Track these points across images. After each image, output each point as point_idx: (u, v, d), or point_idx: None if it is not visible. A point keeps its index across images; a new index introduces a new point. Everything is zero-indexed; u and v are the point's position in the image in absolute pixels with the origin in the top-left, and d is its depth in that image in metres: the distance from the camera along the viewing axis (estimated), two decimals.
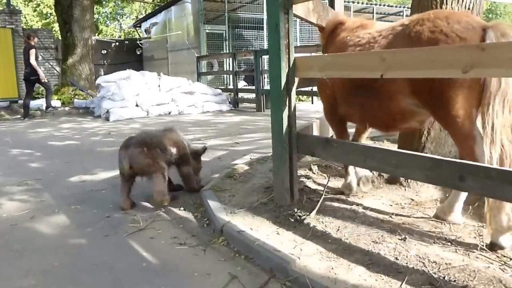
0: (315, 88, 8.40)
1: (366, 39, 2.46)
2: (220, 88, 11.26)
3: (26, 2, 26.10)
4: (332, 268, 1.85)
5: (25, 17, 23.78)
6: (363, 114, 2.56)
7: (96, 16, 24.96)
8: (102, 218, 2.84)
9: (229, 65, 13.14)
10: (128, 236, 2.51)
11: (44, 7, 26.61)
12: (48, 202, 3.25)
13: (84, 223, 2.77)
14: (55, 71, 13.83)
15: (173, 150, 3.11)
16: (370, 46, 2.39)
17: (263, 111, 9.51)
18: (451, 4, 2.60)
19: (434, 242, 2.02)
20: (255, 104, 9.93)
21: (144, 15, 23.25)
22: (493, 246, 1.92)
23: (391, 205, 2.57)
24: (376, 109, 2.39)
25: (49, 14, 26.80)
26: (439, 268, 1.77)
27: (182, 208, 2.95)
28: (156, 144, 3.00)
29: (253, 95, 10.33)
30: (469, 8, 2.61)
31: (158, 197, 2.92)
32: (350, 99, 2.58)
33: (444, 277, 1.70)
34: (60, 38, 13.79)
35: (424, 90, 2.08)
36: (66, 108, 10.52)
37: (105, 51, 18.13)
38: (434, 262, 1.83)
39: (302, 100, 11.73)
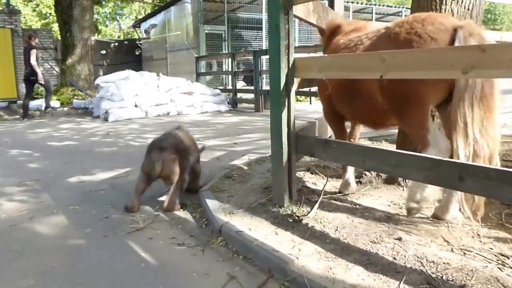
0: (313, 89, 8.47)
1: (354, 41, 2.57)
2: (219, 89, 11.27)
3: (26, 2, 26.09)
4: (331, 268, 1.86)
5: (24, 17, 23.76)
6: (353, 112, 2.69)
7: (95, 16, 24.97)
8: (101, 219, 2.84)
9: (228, 66, 13.16)
10: (127, 237, 2.51)
11: (43, 7, 26.62)
12: (47, 202, 3.24)
13: (83, 223, 2.77)
14: (54, 71, 13.84)
15: (196, 151, 3.20)
16: (356, 48, 2.50)
17: (262, 111, 9.52)
18: (451, 5, 2.61)
19: (432, 242, 2.03)
20: (253, 105, 9.94)
21: (144, 15, 23.26)
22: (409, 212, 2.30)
23: (389, 205, 2.57)
24: (362, 107, 2.52)
25: (48, 14, 26.81)
26: (437, 268, 1.78)
27: (180, 209, 2.95)
28: (185, 149, 3.00)
29: (252, 96, 10.33)
30: (468, 9, 2.62)
31: (170, 207, 2.90)
32: (341, 98, 2.69)
33: (442, 277, 1.70)
34: (59, 38, 13.79)
35: (388, 89, 2.22)
36: (65, 109, 10.50)
37: (105, 52, 18.15)
38: (432, 261, 1.83)
39: (300, 101, 11.73)
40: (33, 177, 4.01)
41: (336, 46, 2.75)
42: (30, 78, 9.25)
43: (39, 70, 9.28)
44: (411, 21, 2.19)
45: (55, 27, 19.10)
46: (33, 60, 9.11)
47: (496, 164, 1.94)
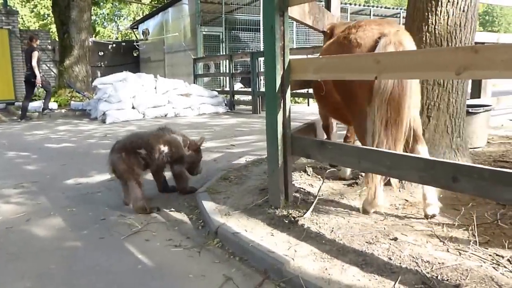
0: (311, 90, 8.48)
1: (330, 43, 2.76)
2: (216, 90, 11.27)
3: (23, 3, 26.00)
4: (326, 269, 1.86)
5: (22, 18, 23.70)
6: (331, 111, 3.00)
7: (93, 17, 24.93)
8: (97, 221, 2.84)
9: (226, 67, 13.17)
10: (123, 239, 2.52)
11: (41, 8, 26.55)
12: (44, 204, 3.25)
13: (79, 225, 2.77)
14: (52, 73, 13.81)
15: (165, 150, 3.10)
16: (325, 51, 2.74)
17: (259, 113, 9.52)
18: (446, 6, 2.62)
19: (427, 242, 2.04)
20: (251, 106, 9.94)
21: (142, 16, 23.26)
22: (364, 212, 2.44)
23: (385, 206, 2.57)
24: (330, 104, 2.79)
25: (46, 15, 26.75)
26: (432, 268, 1.78)
27: (177, 211, 2.96)
28: (138, 147, 3.02)
29: (249, 97, 10.34)
30: (463, 10, 2.63)
31: (133, 204, 2.96)
32: (320, 98, 2.94)
33: (437, 277, 1.71)
34: (57, 39, 13.77)
35: (338, 88, 2.51)
36: (63, 110, 10.49)
37: (102, 53, 18.14)
38: (427, 261, 1.83)
39: (298, 102, 11.75)
40: (30, 179, 4.01)
41: (324, 49, 2.88)
42: (31, 80, 9.25)
43: (38, 73, 9.27)
44: (352, 26, 2.45)
45: (53, 28, 19.05)
46: (34, 62, 9.13)
47: None
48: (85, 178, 4.02)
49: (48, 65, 13.47)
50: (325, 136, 3.58)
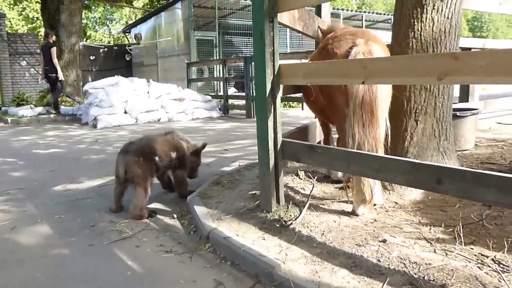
0: None
1: (315, 52, 2.99)
2: (210, 95, 11.28)
3: (11, 6, 25.75)
4: (317, 272, 1.88)
5: (9, 21, 23.44)
6: (319, 114, 3.19)
7: (84, 21, 24.82)
8: (87, 227, 2.81)
9: (219, 72, 13.18)
10: (113, 245, 2.50)
11: (30, 11, 26.34)
12: (31, 212, 3.20)
13: (68, 232, 2.73)
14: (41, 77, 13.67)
15: (173, 155, 3.18)
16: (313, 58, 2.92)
17: (253, 117, 9.53)
18: (431, 14, 2.66)
19: (415, 243, 2.07)
20: (245, 111, 9.96)
21: (134, 20, 23.22)
22: (353, 214, 2.50)
23: (375, 209, 2.60)
24: (318, 106, 2.96)
25: (35, 18, 26.55)
26: (419, 269, 1.81)
27: (168, 216, 2.95)
28: (154, 153, 3.05)
29: (243, 102, 10.36)
30: (448, 17, 2.68)
31: (134, 209, 2.93)
32: (308, 102, 3.15)
33: (424, 277, 1.74)
34: None
35: (323, 92, 2.69)
36: (52, 115, 10.38)
37: (93, 57, 18.04)
38: (414, 262, 1.87)
39: (292, 107, 11.78)
40: (17, 185, 3.95)
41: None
42: (50, 75, 9.74)
43: (59, 68, 9.85)
44: (332, 36, 2.66)
45: (42, 31, 18.93)
46: (54, 59, 9.76)
47: None
48: (75, 184, 3.98)
49: (37, 69, 13.33)
50: (322, 137, 3.68)
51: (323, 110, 2.94)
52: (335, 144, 3.44)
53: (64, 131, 8.26)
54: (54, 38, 10.15)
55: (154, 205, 3.19)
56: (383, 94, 2.35)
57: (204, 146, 3.48)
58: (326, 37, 2.81)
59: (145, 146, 3.07)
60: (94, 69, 17.75)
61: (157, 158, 3.06)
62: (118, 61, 18.59)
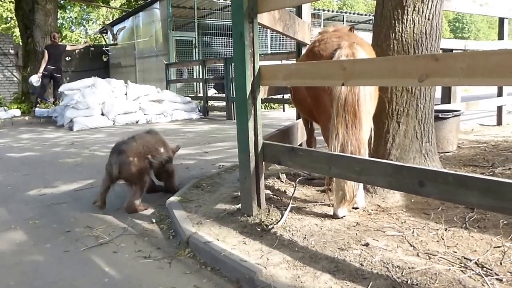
0: (286, 96, 8.50)
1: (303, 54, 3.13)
2: (189, 96, 11.14)
3: None
4: (299, 277, 1.85)
5: None
6: (306, 114, 3.20)
7: (60, 21, 24.26)
8: (62, 233, 2.72)
9: (199, 73, 13.06)
10: (90, 251, 2.42)
11: (4, 11, 25.55)
12: (4, 217, 3.08)
13: (43, 238, 2.64)
14: (15, 78, 13.28)
15: (163, 151, 3.26)
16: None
17: (234, 119, 9.47)
18: (412, 15, 2.68)
19: (398, 247, 2.06)
20: (225, 112, 9.89)
21: (111, 20, 22.82)
22: (334, 216, 2.49)
23: (358, 212, 2.59)
24: (305, 107, 2.99)
25: (9, 19, 25.78)
26: (402, 273, 1.80)
27: (147, 220, 2.88)
28: (148, 152, 3.12)
29: (223, 103, 10.28)
30: (429, 19, 2.70)
31: (130, 207, 3.02)
32: (295, 101, 3.26)
33: (407, 281, 1.73)
34: (20, 43, 13.26)
35: (310, 93, 2.70)
36: (26, 118, 10.05)
37: (69, 58, 17.59)
38: (397, 266, 1.85)
39: (273, 108, 11.78)
40: None
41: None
42: (55, 75, 10.09)
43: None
44: (319, 38, 2.69)
45: (17, 32, 18.38)
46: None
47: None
48: (50, 188, 3.86)
49: (11, 70, 12.94)
50: (304, 138, 3.72)
51: (310, 111, 2.94)
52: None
53: (39, 134, 8.02)
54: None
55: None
56: (366, 95, 2.35)
57: (178, 148, 3.61)
58: (314, 40, 2.84)
59: (139, 145, 3.11)
60: (69, 70, 17.27)
61: (150, 156, 3.12)
62: (95, 62, 18.15)
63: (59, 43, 10.09)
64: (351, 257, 1.98)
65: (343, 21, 18.04)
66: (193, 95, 12.13)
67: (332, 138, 2.37)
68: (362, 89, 2.32)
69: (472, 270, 1.79)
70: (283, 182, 3.31)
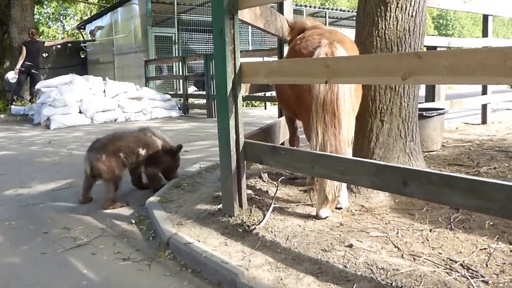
0: (268, 94, 8.46)
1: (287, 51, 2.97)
2: (169, 94, 10.97)
3: None
4: (281, 279, 1.81)
5: None
6: (291, 112, 3.12)
7: (37, 16, 23.59)
8: (39, 234, 2.63)
9: (179, 69, 12.89)
10: (67, 253, 2.34)
11: None
12: None
13: (19, 240, 2.56)
14: None
15: (142, 152, 3.24)
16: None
17: (214, 117, 9.36)
18: (395, 12, 2.66)
19: (382, 248, 2.04)
20: (206, 110, 9.78)
21: (89, 16, 22.32)
22: (317, 217, 2.45)
23: (341, 212, 2.57)
24: (290, 104, 2.92)
25: None
26: (386, 275, 1.78)
27: (126, 221, 2.80)
28: (119, 149, 3.13)
29: (203, 101, 10.16)
30: (412, 16, 2.69)
31: (105, 205, 3.05)
32: (280, 99, 3.24)
33: (391, 283, 1.71)
34: None
35: (293, 92, 2.67)
36: (2, 116, 9.76)
37: (46, 54, 17.10)
38: (382, 268, 1.83)
39: (255, 106, 11.72)
40: None
41: None
42: (33, 71, 10.01)
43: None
44: (301, 37, 2.66)
45: None
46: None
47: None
48: (26, 188, 3.74)
49: None
50: (287, 137, 3.67)
51: (295, 110, 2.92)
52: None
53: (15, 132, 7.77)
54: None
55: (110, 211, 3.02)
56: (346, 94, 2.32)
57: (180, 147, 3.54)
58: (296, 37, 2.77)
59: (108, 143, 3.14)
60: (47, 67, 16.80)
61: (122, 154, 3.13)
62: (73, 58, 17.70)
63: (37, 39, 9.79)
64: (334, 259, 1.95)
65: (325, 17, 18.03)
66: (172, 93, 11.96)
67: (312, 137, 2.34)
68: (342, 88, 2.27)
69: (458, 272, 1.77)
70: (265, 181, 3.27)
